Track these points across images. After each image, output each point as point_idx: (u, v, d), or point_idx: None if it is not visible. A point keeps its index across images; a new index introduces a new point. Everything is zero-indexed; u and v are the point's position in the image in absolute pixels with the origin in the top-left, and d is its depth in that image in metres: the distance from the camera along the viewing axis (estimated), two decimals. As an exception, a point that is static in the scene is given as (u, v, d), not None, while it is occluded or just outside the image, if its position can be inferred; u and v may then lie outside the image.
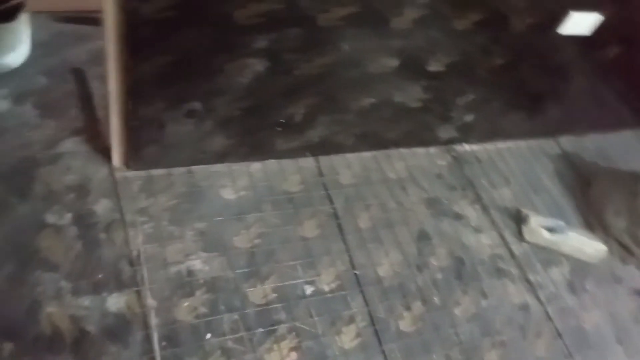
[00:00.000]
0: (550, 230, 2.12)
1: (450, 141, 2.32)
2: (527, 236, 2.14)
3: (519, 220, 2.19)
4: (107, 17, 1.29)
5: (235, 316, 1.52)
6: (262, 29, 1.41)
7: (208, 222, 1.69)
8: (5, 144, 1.64)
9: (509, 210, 2.22)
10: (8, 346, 1.26)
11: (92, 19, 2.11)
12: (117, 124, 1.58)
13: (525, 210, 2.21)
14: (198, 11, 1.30)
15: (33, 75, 1.86)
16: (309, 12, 1.42)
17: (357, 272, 1.77)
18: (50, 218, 1.54)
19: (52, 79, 1.88)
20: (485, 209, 2.19)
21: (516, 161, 2.45)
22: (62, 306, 1.37)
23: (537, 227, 2.13)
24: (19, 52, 1.81)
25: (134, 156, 1.68)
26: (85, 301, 1.40)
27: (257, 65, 1.53)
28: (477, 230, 2.10)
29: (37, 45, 1.91)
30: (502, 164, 2.40)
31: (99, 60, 2.01)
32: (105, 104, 1.57)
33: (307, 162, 2.00)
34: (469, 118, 2.25)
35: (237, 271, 1.61)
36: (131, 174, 1.72)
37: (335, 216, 1.89)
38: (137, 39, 1.31)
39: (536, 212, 2.22)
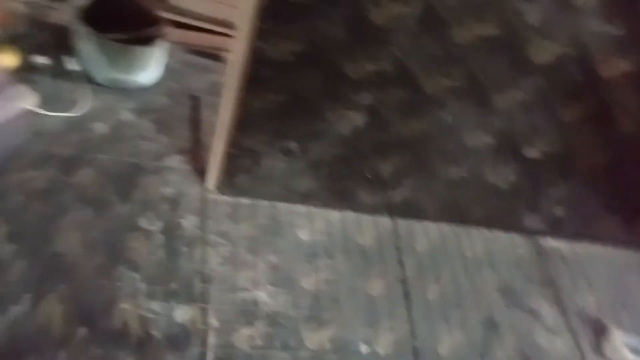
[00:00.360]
0: (635, 351, 1.93)
1: (536, 232, 2.23)
2: (606, 351, 1.96)
3: (599, 331, 2.01)
4: (235, 53, 1.44)
5: (288, 355, 1.51)
6: (369, 85, 1.49)
7: (281, 257, 1.73)
8: (121, 150, 1.82)
9: (590, 319, 2.06)
10: (82, 331, 1.34)
11: (215, 55, 2.36)
12: (219, 149, 1.70)
13: (608, 323, 2.03)
14: (315, 60, 1.41)
15: (157, 95, 2.08)
16: (417, 77, 1.48)
17: (416, 344, 1.71)
18: (143, 222, 1.65)
19: (171, 101, 2.08)
20: (563, 311, 2.04)
21: (605, 268, 2.29)
22: (135, 305, 1.44)
23: (620, 343, 1.94)
24: (150, 73, 2.03)
25: (227, 182, 1.79)
26: (156, 306, 1.47)
27: (357, 118, 1.60)
28: (552, 331, 1.96)
29: (167, 70, 2.14)
30: (589, 268, 2.25)
31: (214, 91, 2.21)
32: (211, 131, 1.71)
33: (385, 221, 2.01)
34: (559, 212, 2.16)
35: (299, 311, 1.62)
36: (220, 197, 1.83)
37: (404, 281, 1.86)
38: (256, 76, 1.43)
39: (620, 327, 2.04)
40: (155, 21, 2.01)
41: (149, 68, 2.01)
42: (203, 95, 2.15)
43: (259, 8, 1.27)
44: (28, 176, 1.63)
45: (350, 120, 1.59)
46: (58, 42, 2.03)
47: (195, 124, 2.03)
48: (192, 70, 2.26)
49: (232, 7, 2.36)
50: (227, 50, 2.32)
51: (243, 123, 1.57)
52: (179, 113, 2.05)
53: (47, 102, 1.84)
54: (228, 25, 2.33)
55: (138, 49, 1.90)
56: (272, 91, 1.48)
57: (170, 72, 2.17)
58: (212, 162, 1.77)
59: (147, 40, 1.95)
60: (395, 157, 1.77)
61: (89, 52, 1.90)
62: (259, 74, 1.42)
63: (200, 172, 1.87)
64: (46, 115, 1.80)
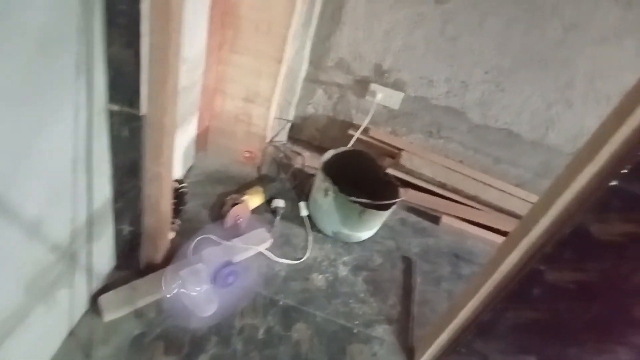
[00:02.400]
0: None
1: None
2: None
3: None
4: (498, 262, 1.34)
5: None
6: (655, 329, 1.27)
7: None
8: (335, 308, 1.80)
9: None
10: None
11: (433, 217, 2.31)
12: (442, 342, 1.58)
13: None
14: (600, 293, 1.24)
15: (372, 252, 2.07)
16: None
17: None
18: (347, 400, 1.56)
19: (384, 260, 2.05)
20: None
21: None
22: None
23: None
24: (372, 230, 2.05)
25: (439, 374, 1.63)
26: None
27: (623, 355, 1.36)
28: None
29: (383, 226, 2.14)
30: None
31: (428, 257, 2.14)
32: (434, 319, 1.56)
33: None
34: None
35: None
36: (426, 387, 1.67)
37: None
38: (520, 292, 1.31)
39: None
40: (391, 184, 2.03)
41: (374, 226, 2.02)
42: (416, 258, 2.09)
43: (554, 235, 1.17)
44: (250, 323, 1.67)
45: (612, 354, 1.36)
46: (296, 187, 2.18)
47: (407, 291, 1.95)
48: (408, 229, 2.24)
49: (455, 171, 2.35)
50: (447, 214, 2.29)
51: (484, 327, 1.43)
52: (391, 275, 2.00)
53: (276, 246, 1.93)
54: (454, 190, 2.31)
55: (373, 214, 1.92)
56: (531, 309, 1.34)
57: (385, 227, 2.17)
58: (428, 349, 1.64)
59: (384, 206, 1.95)
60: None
61: (324, 205, 1.97)
62: (525, 290, 1.29)
63: (406, 350, 1.75)
64: (274, 260, 1.88)
